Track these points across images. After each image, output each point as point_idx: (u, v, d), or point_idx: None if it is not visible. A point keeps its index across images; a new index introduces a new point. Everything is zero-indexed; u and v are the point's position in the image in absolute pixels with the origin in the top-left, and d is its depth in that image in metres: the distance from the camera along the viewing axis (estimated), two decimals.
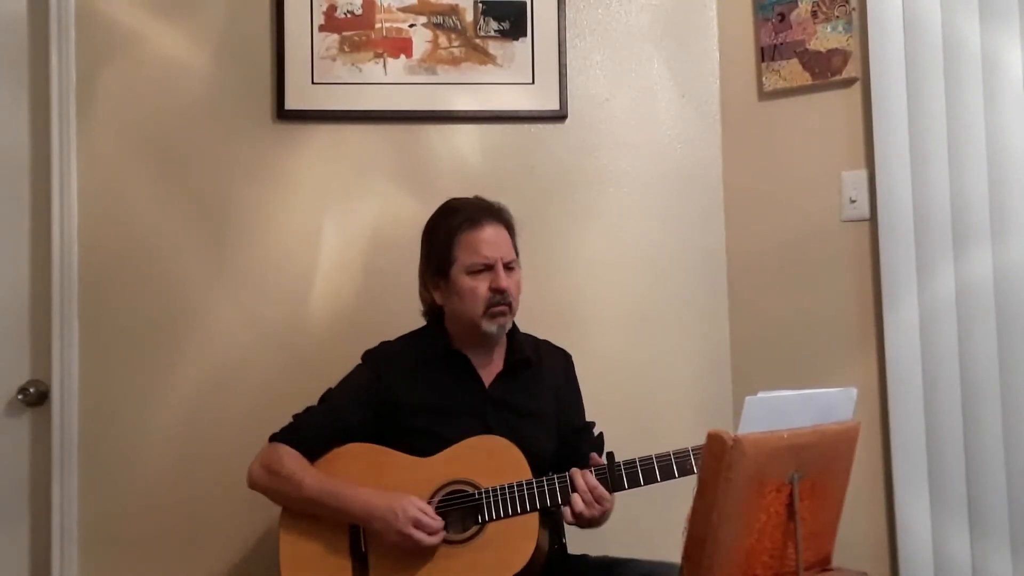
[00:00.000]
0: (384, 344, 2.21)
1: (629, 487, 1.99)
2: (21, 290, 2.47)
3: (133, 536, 2.46)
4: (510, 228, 2.16)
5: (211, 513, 2.48)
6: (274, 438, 2.11)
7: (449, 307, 2.15)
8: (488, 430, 2.08)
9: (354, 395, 2.12)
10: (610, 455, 2.01)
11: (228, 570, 2.48)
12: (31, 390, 2.44)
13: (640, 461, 1.99)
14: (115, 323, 2.48)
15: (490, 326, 2.10)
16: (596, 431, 2.23)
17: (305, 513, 2.03)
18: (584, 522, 1.99)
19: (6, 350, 2.46)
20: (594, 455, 2.06)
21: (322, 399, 2.15)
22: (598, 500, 1.97)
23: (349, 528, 2.02)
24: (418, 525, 1.94)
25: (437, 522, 1.96)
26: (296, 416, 2.13)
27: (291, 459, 2.05)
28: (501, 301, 2.09)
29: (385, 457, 2.06)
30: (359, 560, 2.01)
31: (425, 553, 1.98)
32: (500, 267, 2.10)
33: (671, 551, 1.89)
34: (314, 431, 2.09)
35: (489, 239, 2.10)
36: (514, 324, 2.21)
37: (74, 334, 2.44)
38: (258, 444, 2.12)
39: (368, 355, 2.19)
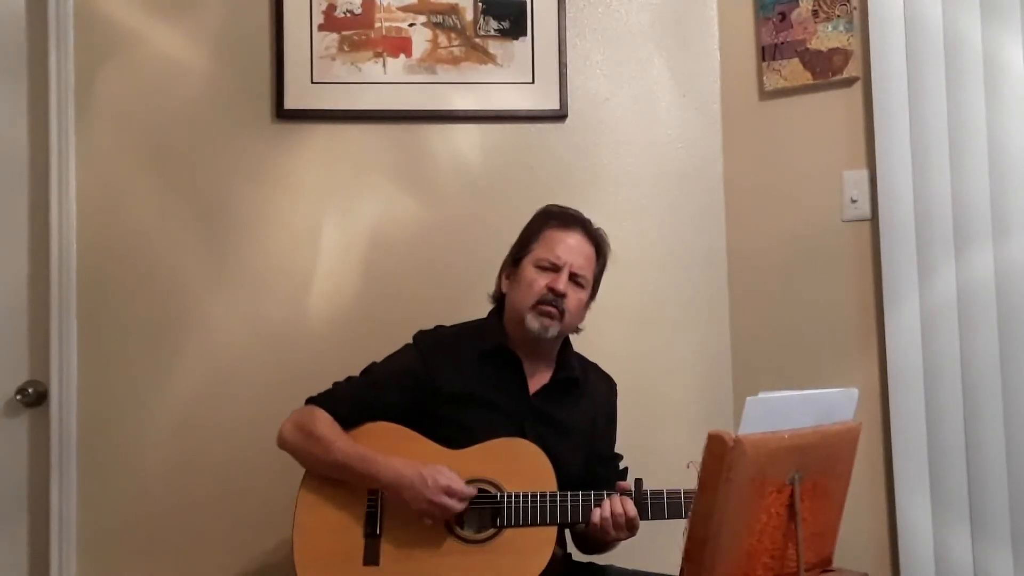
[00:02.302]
0: (440, 328, 2.19)
1: (652, 518, 1.97)
2: (19, 290, 2.46)
3: (132, 536, 2.45)
4: (599, 253, 2.16)
5: (210, 513, 2.47)
6: (311, 400, 2.09)
7: (508, 296, 2.15)
8: (522, 436, 2.06)
9: (397, 376, 2.10)
10: (638, 482, 1.99)
11: (227, 569, 2.47)
12: (29, 390, 2.44)
13: (667, 493, 1.97)
14: (114, 323, 2.47)
15: (533, 322, 2.07)
16: (622, 465, 2.21)
17: (331, 477, 2.02)
18: (603, 543, 2.00)
19: (4, 350, 2.45)
20: (621, 482, 2.04)
21: (365, 371, 2.13)
22: (629, 526, 1.96)
23: (367, 507, 2.01)
24: (449, 492, 1.93)
25: (468, 489, 1.95)
26: (336, 384, 2.11)
27: (324, 422, 2.03)
28: (552, 302, 2.07)
29: (413, 443, 2.04)
30: (371, 539, 1.99)
31: (438, 545, 1.97)
32: (566, 273, 2.08)
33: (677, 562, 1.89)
34: (351, 402, 2.07)
35: (569, 244, 2.11)
36: (568, 343, 2.20)
37: (73, 334, 2.44)
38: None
39: (420, 337, 2.16)
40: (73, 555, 2.42)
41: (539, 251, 2.11)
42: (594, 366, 2.26)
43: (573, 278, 2.09)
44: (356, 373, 2.15)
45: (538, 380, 2.15)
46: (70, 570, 2.42)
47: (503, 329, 2.16)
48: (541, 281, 2.08)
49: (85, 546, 2.43)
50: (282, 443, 2.07)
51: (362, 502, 2.01)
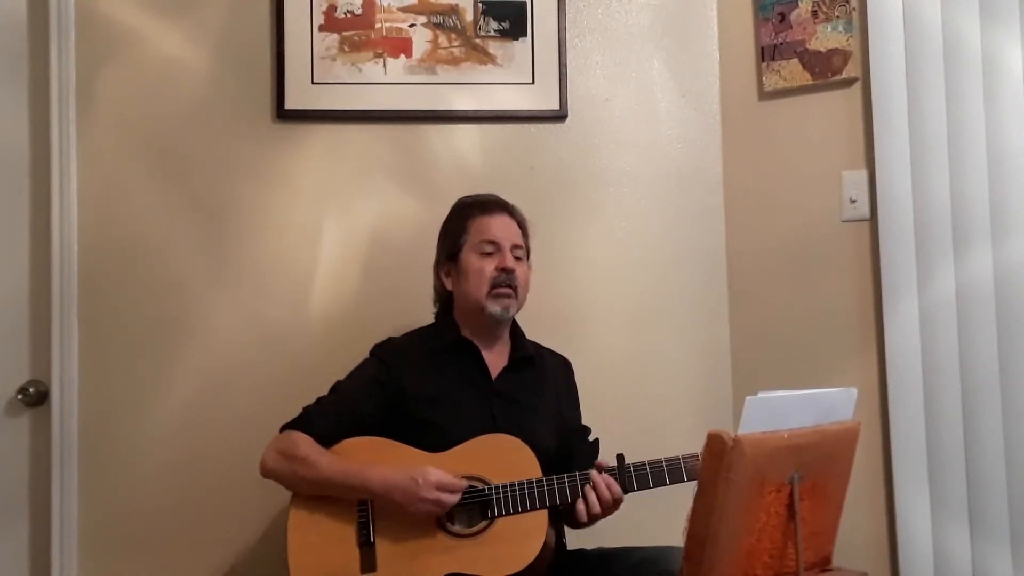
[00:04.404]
0: (391, 339, 2.23)
1: (638, 488, 2.02)
2: (21, 290, 2.46)
3: (133, 536, 2.45)
4: (521, 225, 2.24)
5: (211, 512, 2.48)
6: (286, 427, 2.11)
7: (457, 291, 2.20)
8: (493, 422, 2.09)
9: (365, 385, 2.14)
10: (620, 457, 2.03)
11: (228, 569, 2.48)
12: (31, 390, 2.44)
13: (649, 464, 2.02)
14: (115, 323, 2.48)
15: (494, 307, 2.14)
16: (592, 436, 2.25)
17: (320, 495, 2.03)
18: (590, 522, 2.02)
19: (6, 350, 2.45)
20: (601, 460, 2.08)
21: (332, 390, 2.16)
22: (615, 502, 2.01)
23: (358, 517, 2.02)
24: (440, 487, 1.95)
25: (459, 481, 1.97)
26: (307, 407, 2.14)
27: (306, 443, 2.05)
28: (507, 282, 2.15)
29: (394, 451, 2.06)
30: (367, 548, 2.00)
31: (432, 543, 1.98)
32: (507, 250, 2.16)
33: (664, 539, 1.90)
34: (326, 420, 2.09)
35: (499, 224, 2.19)
36: (517, 325, 2.24)
37: (74, 334, 2.44)
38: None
39: (377, 348, 2.21)
40: (74, 553, 2.42)
41: (473, 239, 2.18)
42: (548, 349, 2.32)
43: (514, 252, 2.18)
44: (330, 389, 2.17)
45: (498, 364, 2.20)
46: (71, 568, 2.42)
47: (455, 323, 2.21)
48: (488, 266, 2.15)
49: (86, 544, 2.44)
50: (266, 472, 2.08)
51: (352, 513, 2.02)
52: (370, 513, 2.02)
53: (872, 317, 2.45)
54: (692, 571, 1.49)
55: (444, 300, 2.26)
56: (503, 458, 2.03)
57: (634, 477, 2.01)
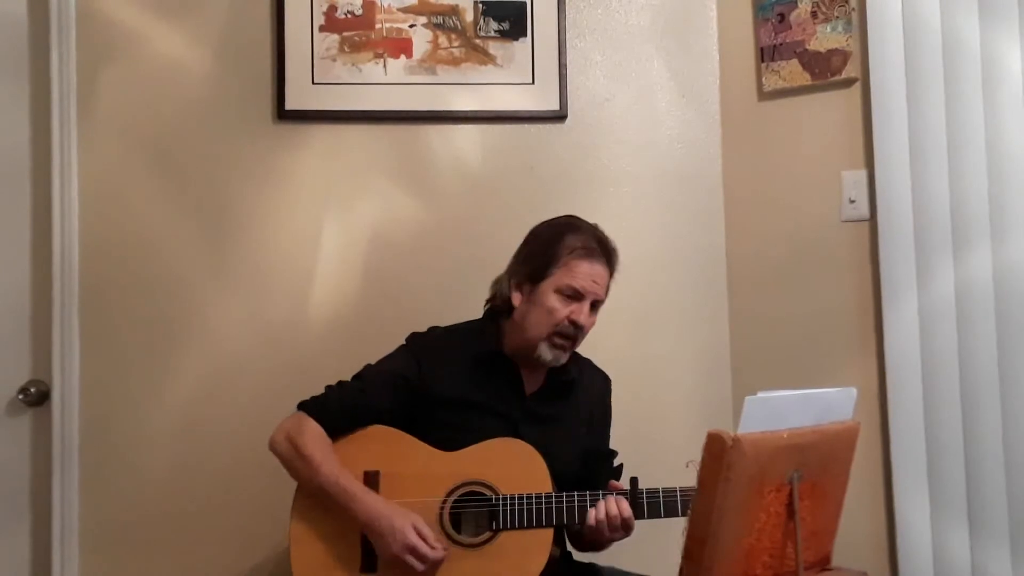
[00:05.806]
0: (433, 330, 2.17)
1: (649, 517, 1.98)
2: (22, 290, 2.47)
3: (133, 535, 2.46)
4: (612, 275, 2.13)
5: (211, 512, 2.48)
6: (303, 407, 2.08)
7: (520, 314, 2.10)
8: (516, 438, 2.05)
9: (390, 380, 2.08)
10: (634, 480, 1.99)
11: (229, 568, 2.48)
12: (32, 390, 2.44)
13: (663, 492, 1.98)
14: (115, 323, 2.48)
15: (547, 353, 2.07)
16: (617, 462, 2.20)
17: (313, 496, 2.02)
18: (601, 544, 2.00)
19: (7, 350, 2.46)
20: (614, 482, 2.04)
21: (358, 376, 2.12)
22: (624, 527, 1.97)
23: None
24: (414, 552, 1.92)
25: (435, 552, 1.93)
26: (329, 389, 2.10)
27: (314, 438, 2.02)
28: (571, 334, 2.06)
29: (407, 445, 2.04)
30: (369, 549, 1.99)
31: None
32: (587, 304, 2.06)
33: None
34: (342, 409, 2.06)
35: (592, 275, 2.07)
36: None
37: (75, 334, 2.44)
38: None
39: (413, 339, 2.16)
40: (75, 553, 2.43)
41: (561, 277, 2.06)
42: (588, 362, 2.26)
43: (592, 305, 2.09)
44: (355, 374, 2.15)
45: (534, 382, 2.15)
46: (72, 569, 2.42)
47: (500, 334, 2.14)
48: (563, 311, 2.05)
49: (87, 544, 2.44)
50: (272, 449, 2.07)
51: None
52: None
53: (872, 317, 2.45)
54: (692, 571, 1.49)
55: (504, 306, 2.14)
56: (514, 466, 2.00)
57: (645, 505, 1.97)
